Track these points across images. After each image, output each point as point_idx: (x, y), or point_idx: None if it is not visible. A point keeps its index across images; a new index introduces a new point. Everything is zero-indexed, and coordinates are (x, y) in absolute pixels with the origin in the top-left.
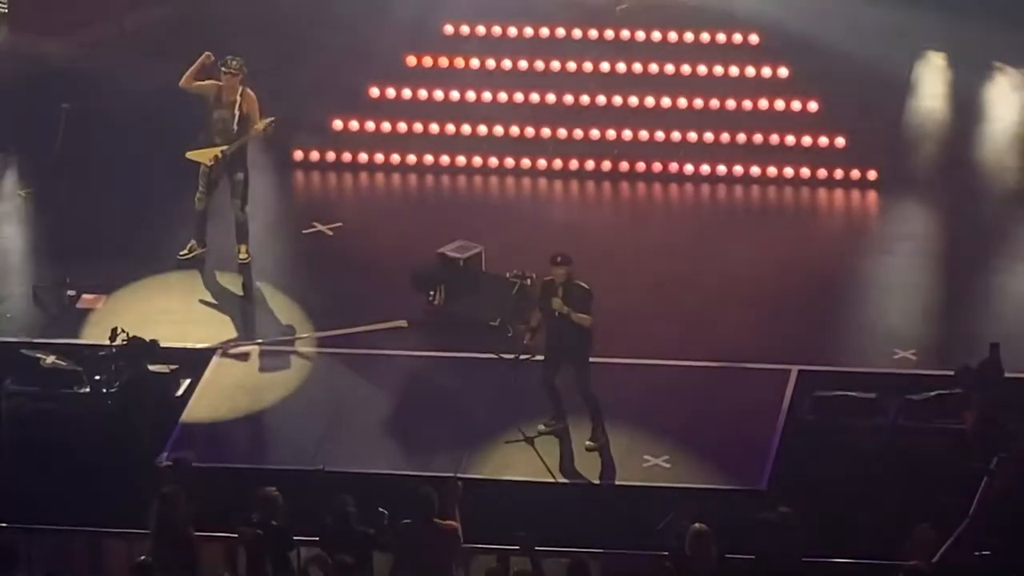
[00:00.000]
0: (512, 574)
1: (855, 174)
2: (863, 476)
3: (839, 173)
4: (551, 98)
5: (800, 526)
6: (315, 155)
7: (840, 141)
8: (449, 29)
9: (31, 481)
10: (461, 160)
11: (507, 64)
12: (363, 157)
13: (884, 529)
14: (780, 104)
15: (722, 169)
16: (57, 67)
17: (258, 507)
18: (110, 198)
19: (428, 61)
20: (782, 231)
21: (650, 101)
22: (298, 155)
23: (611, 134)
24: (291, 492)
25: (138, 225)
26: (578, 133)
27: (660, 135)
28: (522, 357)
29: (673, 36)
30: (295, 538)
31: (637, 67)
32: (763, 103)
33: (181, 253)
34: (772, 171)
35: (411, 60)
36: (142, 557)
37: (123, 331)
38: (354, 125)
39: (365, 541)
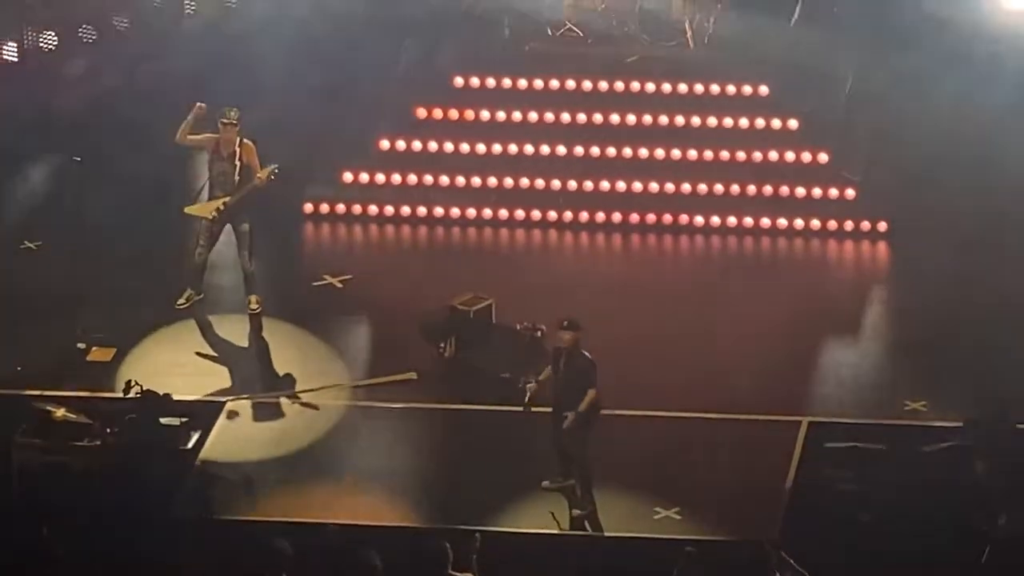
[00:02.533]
0: None
1: (865, 225)
2: (874, 528)
3: (849, 224)
4: (561, 150)
5: None
6: (325, 207)
7: (850, 192)
8: (459, 81)
9: (41, 534)
10: (471, 212)
11: (517, 116)
12: (373, 209)
13: None
14: (790, 155)
15: (732, 221)
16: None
17: (269, 561)
18: (118, 248)
19: (438, 113)
20: (792, 283)
21: (660, 153)
22: (308, 207)
23: (621, 186)
24: (306, 545)
25: (146, 275)
26: (588, 185)
27: (670, 187)
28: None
29: (683, 88)
30: None
31: (647, 119)
32: (773, 155)
33: (179, 302)
34: (782, 223)
35: (421, 112)
36: None
37: (137, 384)
38: (364, 177)
39: None
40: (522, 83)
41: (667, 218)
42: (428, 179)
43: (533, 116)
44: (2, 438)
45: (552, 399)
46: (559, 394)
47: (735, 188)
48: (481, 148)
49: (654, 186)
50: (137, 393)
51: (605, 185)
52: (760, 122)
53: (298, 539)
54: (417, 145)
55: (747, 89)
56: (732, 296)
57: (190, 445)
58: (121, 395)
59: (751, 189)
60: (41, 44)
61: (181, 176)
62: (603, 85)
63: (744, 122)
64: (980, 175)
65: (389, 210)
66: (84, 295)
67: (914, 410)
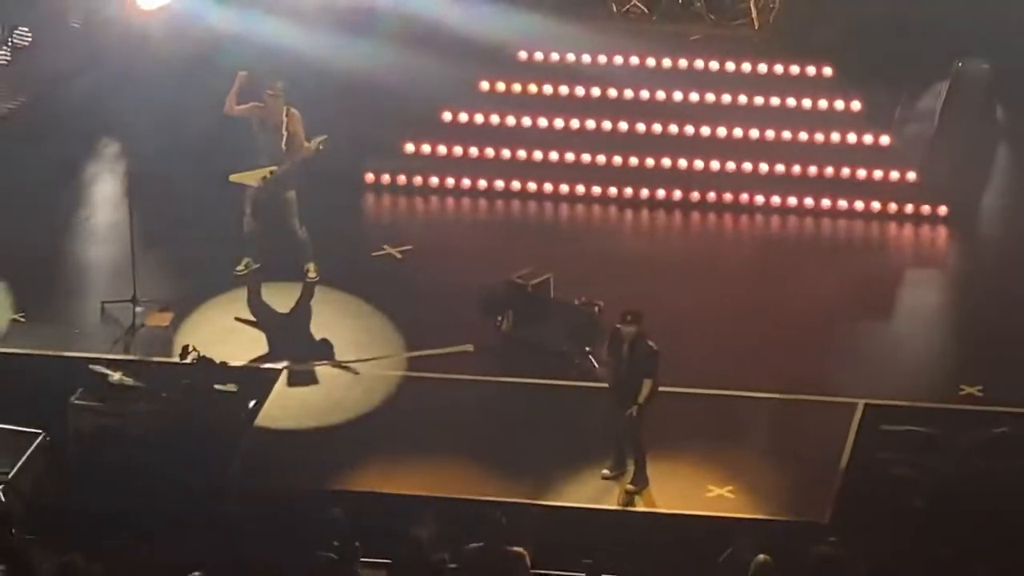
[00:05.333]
0: None
1: (925, 209)
2: (926, 512)
3: (909, 208)
4: (623, 126)
5: (857, 561)
6: (386, 177)
7: (911, 176)
8: (523, 55)
9: (95, 498)
10: (532, 186)
11: (580, 91)
12: (434, 180)
13: (944, 567)
14: (852, 137)
15: (792, 201)
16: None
17: (322, 529)
18: (176, 215)
19: (501, 86)
20: (851, 264)
21: (721, 132)
22: (369, 177)
23: (683, 163)
24: (360, 514)
25: (206, 241)
26: (649, 162)
27: (731, 166)
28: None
29: (746, 67)
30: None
31: (709, 97)
32: (835, 136)
33: (237, 269)
34: (842, 204)
35: (484, 85)
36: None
37: (194, 349)
38: (426, 149)
39: (437, 568)
40: (585, 58)
41: (727, 197)
42: (489, 152)
43: (596, 92)
44: (58, 400)
45: (612, 385)
46: (620, 381)
47: (796, 168)
48: (543, 122)
49: (715, 165)
50: (194, 359)
51: (667, 162)
52: (823, 103)
53: (351, 508)
54: (479, 118)
55: (811, 70)
56: (790, 276)
57: (245, 412)
58: (177, 360)
59: (812, 170)
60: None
61: (240, 142)
62: (667, 63)
63: (807, 103)
64: None
65: (450, 182)
66: (143, 260)
67: (970, 395)
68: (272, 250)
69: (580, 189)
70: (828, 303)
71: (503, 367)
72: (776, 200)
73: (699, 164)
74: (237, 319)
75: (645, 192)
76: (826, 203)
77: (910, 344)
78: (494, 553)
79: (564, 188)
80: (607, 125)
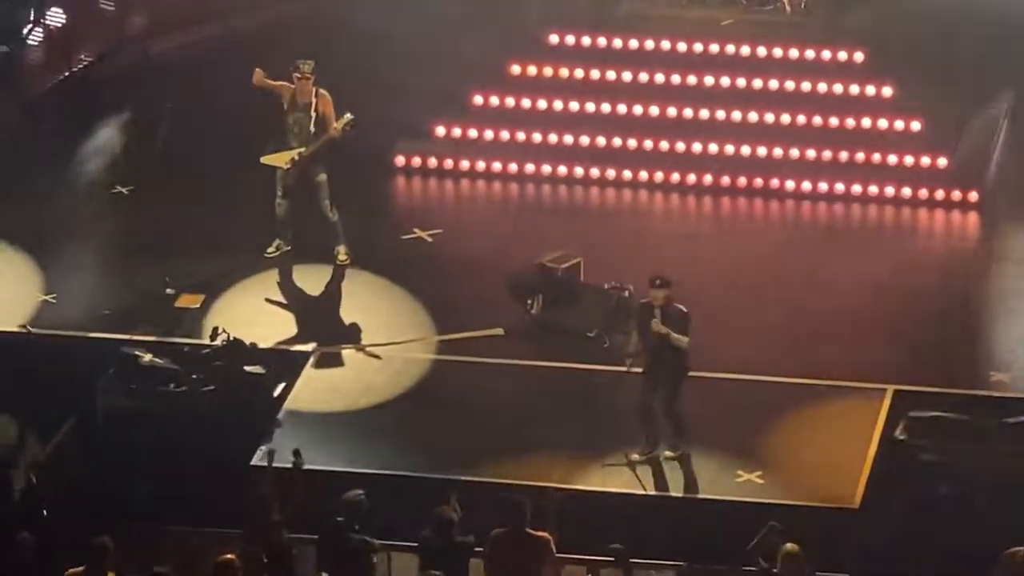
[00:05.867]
0: None
1: (956, 195)
2: (955, 498)
3: (940, 193)
4: (654, 110)
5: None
6: (416, 160)
7: (942, 161)
8: (554, 39)
9: (124, 478)
10: (562, 170)
11: (611, 75)
12: (464, 164)
13: (975, 552)
14: (883, 123)
15: (823, 186)
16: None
17: (344, 510)
18: (208, 196)
19: (532, 70)
20: (881, 250)
21: (752, 116)
22: (399, 160)
23: (713, 148)
24: (388, 496)
25: (236, 223)
26: (680, 146)
27: (762, 151)
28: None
29: (778, 52)
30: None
31: (740, 82)
32: (866, 121)
33: (268, 251)
34: (873, 190)
35: (515, 68)
36: (226, 555)
37: (224, 331)
38: (456, 132)
39: (464, 549)
40: (616, 42)
41: (758, 182)
42: (520, 136)
43: (627, 76)
44: (89, 381)
45: (645, 358)
46: (653, 352)
47: (827, 154)
48: (574, 106)
49: (746, 149)
50: (224, 340)
51: (697, 147)
52: (854, 88)
53: (377, 490)
54: (510, 101)
55: (842, 55)
56: (820, 262)
57: (275, 394)
58: (208, 342)
59: (843, 155)
60: None
61: (271, 123)
62: (698, 47)
63: (838, 88)
64: None
65: (480, 165)
66: (174, 241)
67: (999, 381)
68: (303, 233)
69: (610, 173)
70: (858, 289)
71: (533, 351)
72: (807, 185)
73: (730, 149)
74: (267, 300)
75: (676, 176)
76: (857, 188)
77: (939, 330)
78: (519, 537)
79: (594, 172)
80: (638, 109)
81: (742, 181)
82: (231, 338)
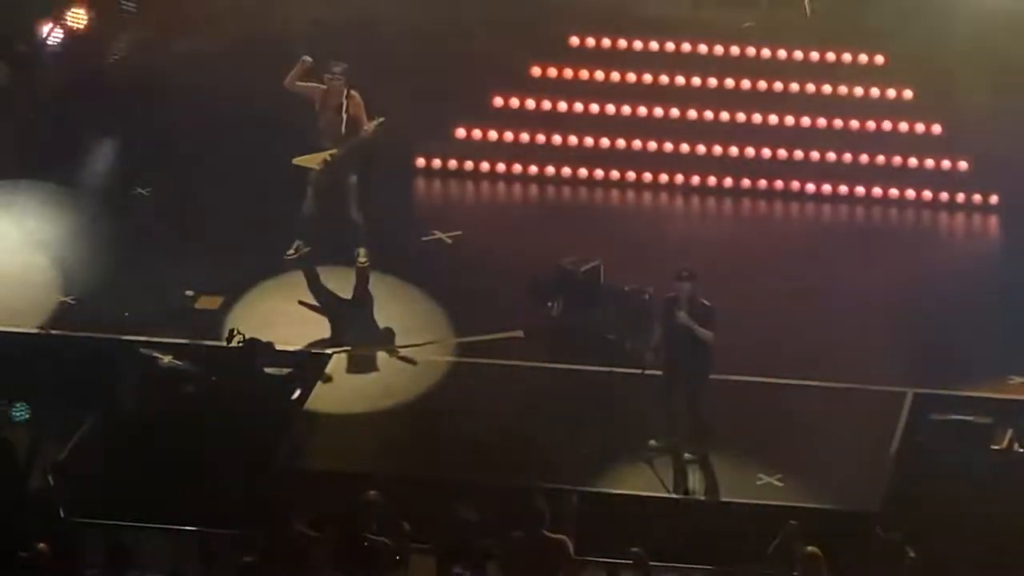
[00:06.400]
0: None
1: (977, 198)
2: (976, 501)
3: (961, 197)
4: (674, 113)
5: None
6: (437, 162)
7: (963, 165)
8: (575, 41)
9: (145, 480)
10: (583, 172)
11: (631, 77)
12: (485, 166)
13: (994, 556)
14: (904, 126)
15: (843, 189)
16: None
17: (361, 511)
18: (228, 197)
19: (553, 72)
20: (901, 253)
21: (773, 119)
22: (420, 162)
23: (734, 151)
24: (407, 498)
25: (256, 225)
26: (700, 149)
27: (782, 153)
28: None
29: (798, 55)
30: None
31: (761, 84)
32: (887, 124)
33: (288, 253)
34: (894, 193)
35: (536, 70)
36: (248, 558)
37: (239, 332)
38: (477, 134)
39: (485, 552)
40: (637, 44)
41: (778, 184)
42: (540, 138)
43: (647, 78)
44: (108, 383)
45: (666, 355)
46: (676, 349)
47: (847, 156)
48: (594, 108)
49: (766, 152)
50: (240, 342)
51: (717, 149)
52: (875, 91)
53: (399, 492)
54: (531, 103)
55: (863, 58)
56: (841, 265)
57: (295, 396)
58: (225, 343)
59: (863, 158)
60: None
61: (293, 126)
62: (718, 49)
63: (859, 91)
64: None
65: (501, 167)
66: (193, 242)
67: (1020, 384)
68: (322, 234)
69: (631, 175)
70: (878, 292)
71: (553, 353)
72: (827, 188)
73: (750, 151)
74: (301, 303)
75: (696, 179)
76: (877, 191)
77: (959, 333)
78: (536, 540)
79: (615, 174)
80: (658, 112)
81: (763, 184)
82: (247, 339)
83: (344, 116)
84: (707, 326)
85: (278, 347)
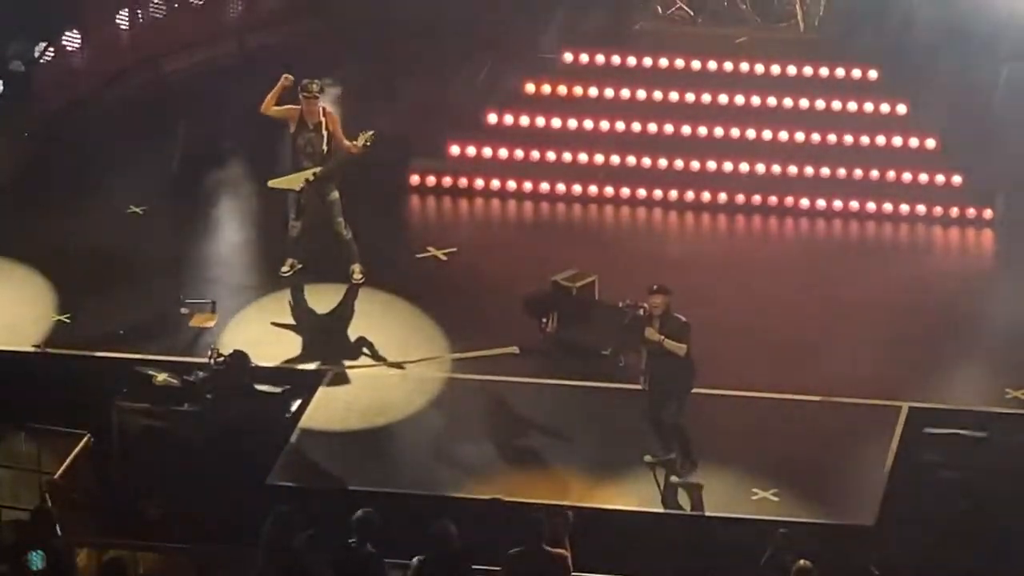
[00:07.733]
0: None
1: (971, 212)
2: (971, 515)
3: (955, 211)
4: (668, 129)
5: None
6: (431, 179)
7: (957, 179)
8: (569, 57)
9: (139, 498)
10: (577, 189)
11: (625, 94)
12: (479, 183)
13: (990, 569)
14: (897, 140)
15: (838, 204)
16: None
17: (356, 529)
18: (222, 215)
19: (547, 89)
20: (897, 268)
21: (766, 134)
22: (414, 179)
23: (728, 166)
24: (396, 516)
25: (250, 242)
26: (694, 164)
27: (776, 169)
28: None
29: (791, 70)
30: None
31: (755, 100)
32: (880, 139)
33: (282, 271)
34: (888, 207)
35: (530, 87)
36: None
37: (218, 351)
38: (471, 151)
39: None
40: (631, 61)
41: (772, 200)
42: (534, 154)
43: (641, 94)
44: (103, 401)
45: (646, 370)
46: (654, 367)
47: (841, 171)
48: (588, 125)
49: (760, 167)
50: (217, 361)
51: (711, 165)
52: (868, 106)
53: (389, 510)
54: (524, 120)
55: (856, 73)
56: (835, 280)
57: (290, 413)
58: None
59: (857, 173)
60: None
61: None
62: (712, 65)
63: (852, 106)
64: None
65: (495, 184)
66: (188, 261)
67: (1015, 399)
68: (317, 251)
69: (625, 192)
70: (873, 307)
71: (548, 369)
72: (821, 203)
73: (744, 167)
74: (273, 324)
75: (690, 195)
76: (871, 206)
77: (955, 347)
78: (535, 555)
79: (609, 191)
80: (652, 128)
81: (757, 199)
82: (228, 357)
83: (324, 134)
84: (681, 341)
85: (275, 364)
